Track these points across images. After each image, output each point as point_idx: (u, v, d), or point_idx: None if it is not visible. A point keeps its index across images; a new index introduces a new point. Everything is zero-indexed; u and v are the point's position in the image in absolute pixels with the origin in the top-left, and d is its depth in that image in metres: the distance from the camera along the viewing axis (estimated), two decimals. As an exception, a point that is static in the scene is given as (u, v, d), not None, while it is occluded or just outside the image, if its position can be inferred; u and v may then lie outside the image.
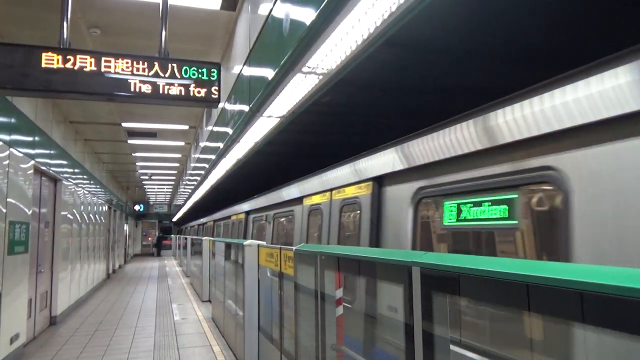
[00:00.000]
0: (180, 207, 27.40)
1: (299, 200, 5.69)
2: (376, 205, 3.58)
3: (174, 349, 6.75)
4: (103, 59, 3.83)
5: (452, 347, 1.98)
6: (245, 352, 5.64)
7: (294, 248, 3.77)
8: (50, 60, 3.67)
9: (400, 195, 3.32)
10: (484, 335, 2.23)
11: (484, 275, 1.46)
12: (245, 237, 9.13)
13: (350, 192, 4.13)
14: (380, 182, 3.63)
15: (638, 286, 0.97)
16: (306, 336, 3.48)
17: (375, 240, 3.54)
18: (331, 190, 4.59)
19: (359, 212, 3.86)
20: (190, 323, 8.66)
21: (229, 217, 12.05)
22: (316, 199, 5.05)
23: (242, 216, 9.75)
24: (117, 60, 3.88)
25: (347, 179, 4.21)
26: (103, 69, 3.85)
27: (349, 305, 3.47)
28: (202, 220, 20.27)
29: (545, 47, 3.04)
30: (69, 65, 3.71)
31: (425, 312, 1.76)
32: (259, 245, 5.62)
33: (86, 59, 3.78)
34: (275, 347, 4.85)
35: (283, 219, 6.84)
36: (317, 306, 3.15)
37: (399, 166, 3.28)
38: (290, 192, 6.10)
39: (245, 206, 9.46)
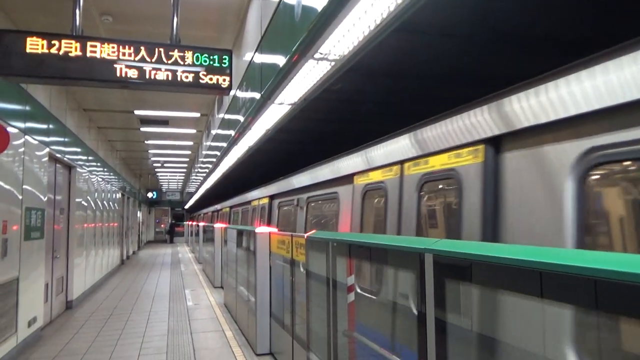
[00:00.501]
0: (192, 194, 27.62)
1: (346, 178, 4.57)
2: (491, 178, 2.48)
3: (187, 333, 6.85)
4: (115, 45, 3.85)
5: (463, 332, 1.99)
6: (257, 337, 5.71)
7: (305, 235, 3.79)
8: (68, 46, 3.69)
9: (547, 162, 2.14)
10: (496, 322, 2.22)
11: (497, 262, 1.46)
12: (269, 226, 8.11)
13: (439, 162, 2.95)
14: (497, 144, 2.46)
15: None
16: (318, 322, 3.51)
17: (492, 232, 2.40)
18: (402, 162, 3.40)
19: (454, 191, 2.74)
20: (203, 308, 8.77)
21: (248, 202, 10.86)
22: (375, 176, 3.93)
23: (265, 201, 8.61)
24: (129, 47, 3.89)
25: (430, 145, 3.02)
26: (116, 57, 3.86)
27: (372, 297, 3.48)
28: (217, 206, 18.90)
29: (564, 32, 2.98)
30: (82, 52, 3.73)
31: (437, 299, 1.76)
32: (270, 233, 5.66)
33: (98, 46, 3.80)
34: (286, 332, 4.90)
35: (321, 203, 5.64)
36: (329, 293, 3.17)
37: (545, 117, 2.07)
38: (334, 168, 4.89)
39: (269, 189, 8.30)
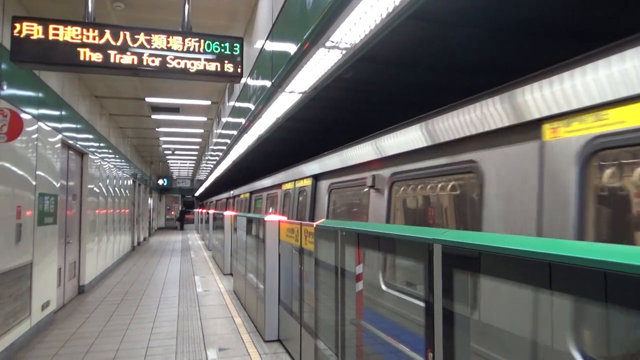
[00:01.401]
0: (202, 181, 27.78)
1: (473, 142, 2.74)
2: None
3: (197, 319, 6.94)
4: (127, 33, 3.86)
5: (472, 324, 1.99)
6: (266, 324, 5.77)
7: (314, 224, 3.80)
8: (77, 34, 3.71)
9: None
10: (504, 313, 2.22)
11: (505, 253, 1.45)
12: (313, 216, 6.04)
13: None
14: None
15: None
16: (326, 310, 3.53)
17: None
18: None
19: None
20: (213, 295, 8.87)
21: (277, 186, 8.71)
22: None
23: (307, 183, 6.42)
24: (140, 35, 3.90)
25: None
26: (128, 44, 3.88)
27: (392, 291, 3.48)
28: (233, 192, 16.56)
29: (579, 22, 2.93)
30: (93, 39, 3.75)
31: (445, 289, 1.76)
32: (279, 221, 5.68)
33: (109, 33, 3.81)
34: (295, 320, 4.95)
35: (421, 186, 3.50)
36: (337, 281, 3.18)
37: None
38: (456, 121, 2.87)
39: (311, 167, 6.17)
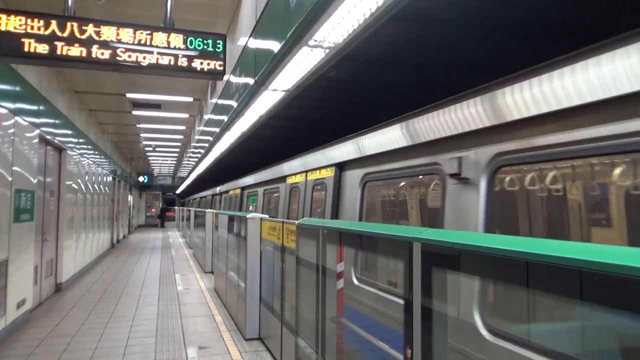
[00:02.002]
0: (184, 179, 27.52)
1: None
2: None
3: (176, 317, 6.89)
4: (106, 27, 3.80)
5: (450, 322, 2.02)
6: (247, 322, 5.75)
7: (296, 222, 3.81)
8: (56, 28, 3.64)
9: None
10: (482, 309, 2.26)
11: (483, 251, 1.48)
12: (337, 218, 4.60)
13: None
14: None
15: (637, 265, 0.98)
16: (307, 308, 3.54)
17: None
18: None
19: None
20: (193, 293, 8.81)
21: (280, 179, 7.06)
22: None
23: (326, 174, 4.85)
24: (121, 30, 3.85)
25: None
26: (109, 38, 3.82)
27: (368, 287, 3.51)
28: (220, 189, 14.65)
29: (558, 23, 2.99)
30: (72, 33, 3.69)
31: (424, 287, 1.78)
32: (261, 219, 5.67)
33: (90, 27, 3.76)
34: (276, 318, 4.95)
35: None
36: (318, 279, 3.20)
37: None
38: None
39: (337, 153, 4.60)
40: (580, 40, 3.04)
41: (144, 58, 3.88)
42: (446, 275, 1.77)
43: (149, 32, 3.94)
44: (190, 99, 11.69)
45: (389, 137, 3.47)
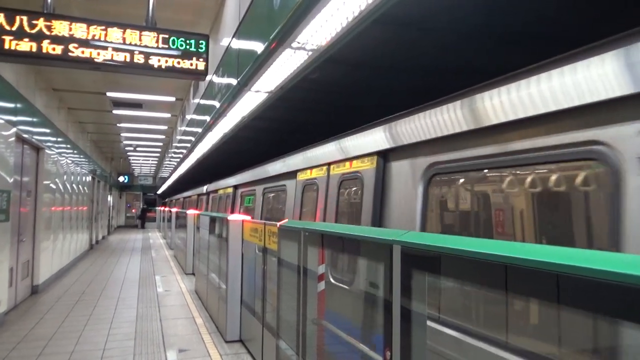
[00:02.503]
0: (165, 179, 27.22)
1: None
2: None
3: (156, 320, 6.80)
4: (88, 26, 3.74)
5: (429, 323, 2.04)
6: (228, 324, 5.72)
7: (278, 224, 3.80)
8: (35, 25, 3.58)
9: None
10: (461, 313, 2.29)
11: (461, 254, 1.50)
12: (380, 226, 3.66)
13: None
14: None
15: (613, 269, 1.01)
16: (288, 310, 3.53)
17: None
18: None
19: None
20: (174, 295, 8.71)
21: (287, 175, 5.68)
22: None
23: (362, 166, 3.73)
24: (101, 28, 3.79)
25: None
26: (88, 37, 3.76)
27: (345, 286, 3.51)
28: (210, 187, 12.58)
29: (537, 30, 3.04)
30: (52, 31, 3.62)
31: (404, 289, 1.80)
32: (243, 220, 5.65)
33: (71, 25, 3.69)
34: (257, 320, 4.93)
35: None
36: (300, 281, 3.19)
37: None
38: None
39: (380, 137, 3.44)
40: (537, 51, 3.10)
41: (123, 56, 3.82)
42: (425, 278, 1.79)
43: (131, 31, 3.90)
44: (173, 99, 11.58)
45: (487, 108, 2.34)
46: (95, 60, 3.70)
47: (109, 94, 10.86)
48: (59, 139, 10.86)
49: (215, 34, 7.50)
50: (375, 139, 3.48)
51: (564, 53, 1.94)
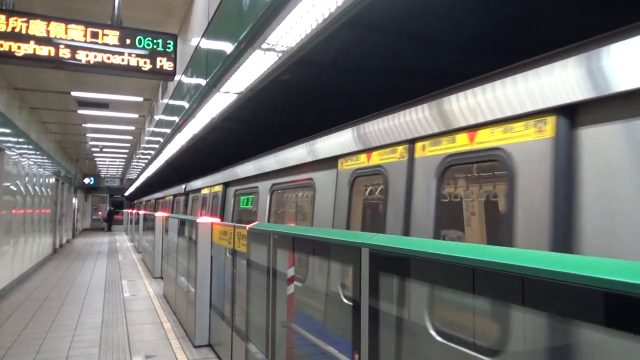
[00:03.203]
0: (133, 181, 26.64)
1: None
2: None
3: (122, 325, 6.63)
4: (49, 22, 3.62)
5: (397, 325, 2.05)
6: (196, 328, 5.63)
7: (247, 226, 3.76)
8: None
9: None
10: (428, 315, 2.31)
11: (427, 257, 1.51)
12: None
13: None
14: None
15: (580, 272, 1.02)
16: (257, 313, 3.50)
17: None
18: None
19: None
20: (141, 300, 8.51)
21: (322, 163, 4.03)
22: None
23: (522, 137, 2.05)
24: (65, 26, 3.68)
25: None
26: (51, 35, 3.64)
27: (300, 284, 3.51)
28: (191, 185, 10.93)
29: (504, 36, 3.11)
30: (11, 28, 3.49)
31: (372, 291, 1.80)
32: (212, 223, 5.57)
33: (31, 22, 3.57)
34: (226, 324, 4.87)
35: None
36: (269, 284, 3.17)
37: None
38: None
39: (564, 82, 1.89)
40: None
41: (87, 55, 3.72)
42: (393, 280, 1.80)
43: (95, 29, 3.79)
44: (140, 99, 11.35)
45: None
46: (57, 58, 3.58)
47: (73, 93, 10.55)
48: (20, 140, 10.47)
49: (184, 33, 7.39)
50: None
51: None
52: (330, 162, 3.83)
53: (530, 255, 1.26)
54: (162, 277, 10.66)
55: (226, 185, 7.60)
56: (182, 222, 7.03)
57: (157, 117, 10.96)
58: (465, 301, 1.90)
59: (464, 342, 2.01)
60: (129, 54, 3.92)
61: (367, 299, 1.80)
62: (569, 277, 1.04)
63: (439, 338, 2.11)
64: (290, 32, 3.24)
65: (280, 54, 3.69)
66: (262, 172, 5.61)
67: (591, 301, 1.01)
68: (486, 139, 2.21)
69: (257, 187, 5.92)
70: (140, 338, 6.01)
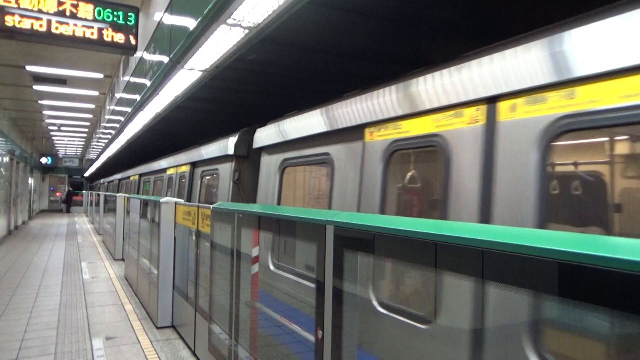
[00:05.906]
0: (93, 161, 25.81)
1: None
2: None
3: (82, 308, 6.47)
4: (0, -11, 3.42)
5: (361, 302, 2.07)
6: (159, 310, 5.55)
7: (211, 206, 3.71)
8: None
9: None
10: (394, 292, 2.35)
11: (393, 234, 1.52)
12: None
13: None
14: None
15: (535, 245, 1.05)
16: (221, 294, 3.48)
17: None
18: None
19: None
20: (102, 282, 8.32)
21: (340, 135, 3.21)
22: None
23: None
24: (17, -8, 3.48)
25: None
26: (2, 2, 3.44)
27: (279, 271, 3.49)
28: (164, 163, 9.28)
29: (469, 21, 3.14)
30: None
31: (336, 269, 1.81)
32: (176, 203, 5.48)
33: (-20, -13, 3.36)
34: (190, 305, 4.82)
35: None
36: (233, 264, 3.14)
37: None
38: None
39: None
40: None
41: (43, 25, 3.53)
42: (357, 257, 1.81)
43: (50, -3, 3.60)
44: (101, 76, 10.94)
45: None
46: (7, 26, 3.39)
47: (28, 67, 10.05)
48: (-29, 115, 9.95)
49: (147, 7, 7.13)
50: None
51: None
52: (352, 134, 3.04)
53: (489, 230, 1.28)
54: (123, 260, 10.44)
55: (194, 165, 7.14)
56: (145, 203, 6.88)
57: (118, 96, 10.60)
58: (430, 276, 1.93)
59: (407, 313, 2.05)
60: (88, 27, 3.75)
61: (332, 277, 1.81)
62: (524, 249, 1.06)
63: (384, 310, 2.14)
64: (257, 8, 3.17)
65: (246, 31, 3.61)
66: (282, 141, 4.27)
67: (546, 272, 1.04)
68: None
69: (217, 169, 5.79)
70: (101, 320, 5.89)
